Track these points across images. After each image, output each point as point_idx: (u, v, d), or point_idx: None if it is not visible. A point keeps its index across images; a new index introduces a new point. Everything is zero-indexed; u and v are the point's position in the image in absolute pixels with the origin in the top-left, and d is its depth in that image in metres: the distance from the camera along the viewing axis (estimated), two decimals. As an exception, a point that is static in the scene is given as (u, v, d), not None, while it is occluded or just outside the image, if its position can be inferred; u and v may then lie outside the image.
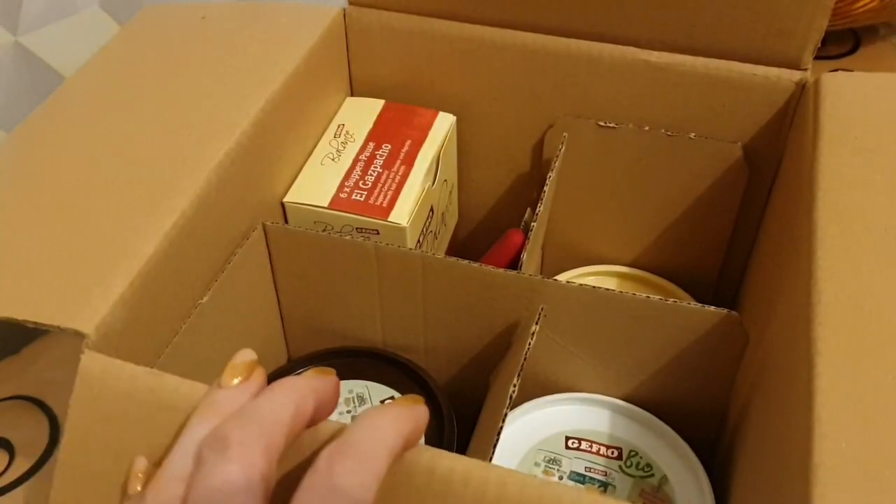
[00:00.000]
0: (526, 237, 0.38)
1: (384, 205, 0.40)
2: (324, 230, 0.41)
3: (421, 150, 0.43)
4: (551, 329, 0.38)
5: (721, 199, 0.45)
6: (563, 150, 0.43)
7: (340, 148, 0.43)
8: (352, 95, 0.47)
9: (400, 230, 0.40)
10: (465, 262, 0.37)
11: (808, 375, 0.26)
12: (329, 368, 0.25)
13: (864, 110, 0.36)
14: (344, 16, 0.44)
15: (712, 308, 0.35)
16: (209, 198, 0.34)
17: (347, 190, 0.41)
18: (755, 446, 0.34)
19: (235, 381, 0.25)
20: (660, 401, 0.41)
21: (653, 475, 0.39)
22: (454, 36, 0.44)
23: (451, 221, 0.49)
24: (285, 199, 0.41)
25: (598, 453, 0.40)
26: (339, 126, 0.44)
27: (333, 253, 0.39)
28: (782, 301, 0.33)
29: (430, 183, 0.42)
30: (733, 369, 0.38)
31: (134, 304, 0.30)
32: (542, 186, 0.46)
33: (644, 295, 0.36)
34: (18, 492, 0.43)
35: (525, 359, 0.33)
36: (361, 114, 0.45)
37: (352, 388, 0.41)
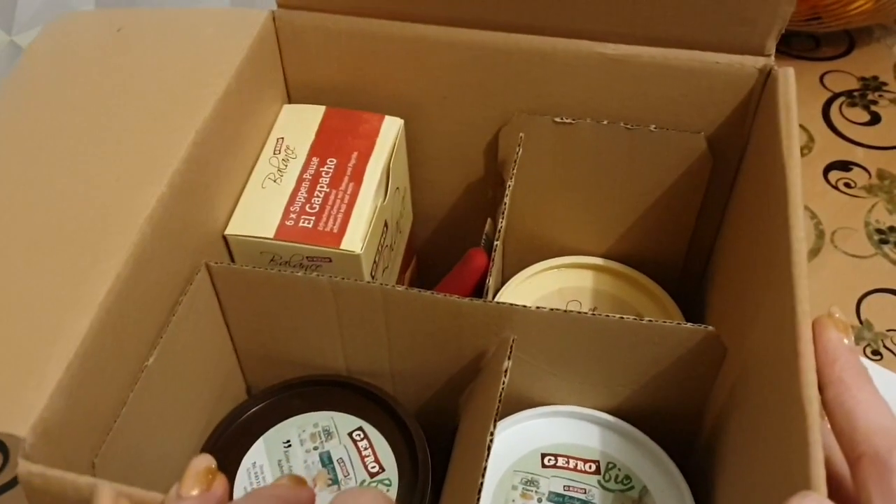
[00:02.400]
0: (489, 259, 0.37)
1: (335, 230, 0.38)
2: (272, 260, 0.39)
3: (369, 162, 0.41)
4: (523, 351, 0.36)
5: (686, 188, 0.44)
6: (520, 152, 0.41)
7: (282, 166, 0.40)
8: (289, 102, 0.44)
9: (353, 258, 0.38)
10: (428, 293, 0.35)
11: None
12: (302, 478, 0.24)
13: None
14: (273, 19, 0.41)
15: (689, 325, 0.35)
16: (145, 252, 0.32)
17: (294, 216, 0.39)
18: (743, 447, 0.34)
19: (195, 491, 0.24)
20: (636, 411, 0.40)
21: (633, 487, 0.39)
22: (396, 35, 0.41)
23: (406, 225, 0.47)
24: (227, 232, 0.38)
25: (575, 469, 0.39)
26: (278, 140, 0.42)
27: (286, 290, 0.37)
28: (764, 307, 0.32)
29: (381, 199, 0.40)
30: (711, 379, 0.37)
31: (73, 389, 0.28)
32: (499, 185, 0.44)
33: (617, 316, 0.35)
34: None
35: (500, 402, 0.32)
36: (301, 124, 0.42)
37: (317, 420, 0.40)
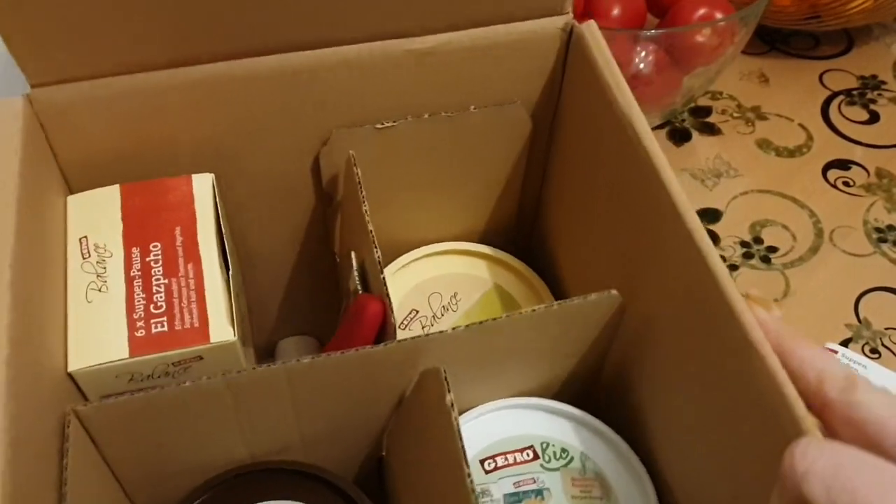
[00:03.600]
0: (384, 303, 0.34)
1: (195, 324, 0.33)
2: (131, 380, 0.33)
3: (198, 234, 0.36)
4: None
5: (512, 156, 0.45)
6: (357, 170, 0.38)
7: (100, 271, 0.34)
8: (70, 191, 0.37)
9: (229, 347, 0.33)
10: (335, 355, 0.32)
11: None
12: None
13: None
14: (31, 102, 0.34)
15: (594, 296, 0.35)
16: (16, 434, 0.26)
17: (141, 324, 0.33)
18: (667, 393, 0.36)
19: None
20: (548, 386, 0.40)
21: (572, 458, 0.39)
22: (178, 83, 0.36)
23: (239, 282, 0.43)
24: (71, 368, 0.32)
25: (516, 463, 0.39)
26: (81, 241, 0.35)
27: (173, 407, 0.32)
28: (658, 258, 0.34)
29: (228, 270, 0.36)
30: (611, 337, 0.38)
31: None
32: (329, 206, 0.41)
33: (529, 309, 0.34)
34: None
35: (461, 440, 0.30)
36: (100, 214, 0.36)
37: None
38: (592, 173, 0.40)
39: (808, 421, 0.26)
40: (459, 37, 0.38)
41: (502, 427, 0.40)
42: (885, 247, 0.59)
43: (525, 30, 0.38)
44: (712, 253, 0.30)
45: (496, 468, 0.39)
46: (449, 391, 0.32)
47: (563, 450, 0.39)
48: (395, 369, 0.34)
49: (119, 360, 0.32)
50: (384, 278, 0.35)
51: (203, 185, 0.38)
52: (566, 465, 0.39)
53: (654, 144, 0.34)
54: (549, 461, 0.39)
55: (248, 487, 0.37)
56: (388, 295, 0.34)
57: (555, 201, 0.47)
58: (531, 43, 0.39)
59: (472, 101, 0.40)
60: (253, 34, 0.35)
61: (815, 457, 0.23)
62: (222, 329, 0.33)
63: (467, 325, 0.34)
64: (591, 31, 0.38)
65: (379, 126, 0.40)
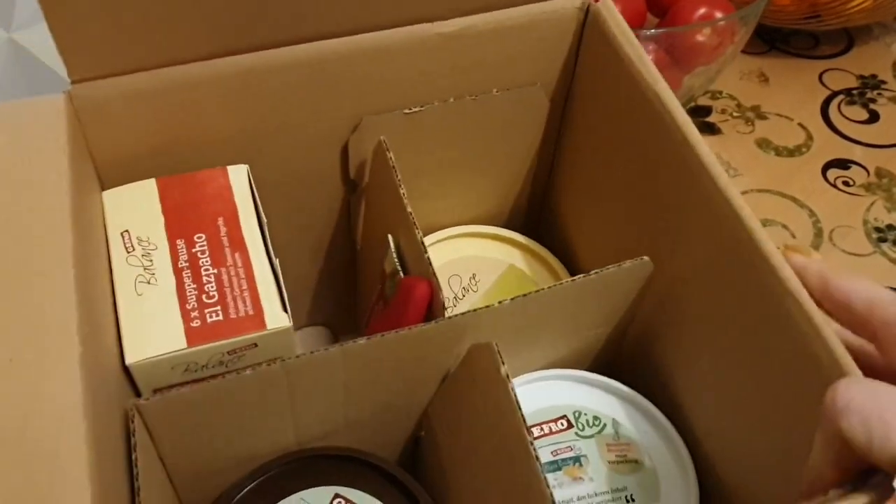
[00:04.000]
0: (431, 283, 0.35)
1: (251, 312, 0.34)
2: (186, 370, 0.34)
3: (241, 223, 0.36)
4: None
5: (529, 136, 0.46)
6: (390, 154, 0.39)
7: (146, 264, 0.35)
8: (103, 187, 0.37)
9: (284, 333, 0.34)
10: (390, 334, 0.33)
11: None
12: None
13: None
14: (71, 99, 0.34)
15: (628, 263, 0.36)
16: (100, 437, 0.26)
17: (196, 314, 0.34)
18: (699, 350, 0.38)
19: None
20: (578, 354, 0.42)
21: (604, 425, 0.41)
22: (214, 75, 0.36)
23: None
24: (129, 361, 0.32)
25: (551, 433, 0.40)
26: (123, 235, 0.35)
27: (230, 396, 0.33)
28: (689, 222, 0.35)
29: (272, 258, 0.36)
30: (640, 300, 0.40)
31: None
32: (355, 196, 0.42)
33: (569, 280, 0.36)
34: None
35: (520, 409, 0.31)
36: (139, 208, 0.36)
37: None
38: (612, 148, 0.42)
39: (849, 362, 0.27)
40: (486, 18, 0.39)
41: (534, 399, 0.41)
42: (884, 246, 0.59)
43: (543, 10, 0.40)
44: (744, 208, 0.32)
45: (533, 438, 0.40)
46: (503, 363, 0.33)
47: (596, 417, 0.41)
48: (443, 346, 0.35)
49: (177, 352, 0.33)
50: (428, 258, 0.35)
51: (239, 176, 0.38)
52: (600, 431, 0.41)
53: (683, 113, 0.35)
54: (584, 429, 0.41)
55: (297, 474, 0.38)
56: (434, 274, 0.35)
57: (567, 179, 0.48)
58: (549, 23, 0.40)
59: (493, 84, 0.41)
60: (285, 24, 0.36)
61: (854, 392, 0.24)
62: (277, 315, 0.34)
63: (513, 299, 0.35)
64: (607, 8, 0.39)
65: (407, 111, 0.40)
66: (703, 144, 0.34)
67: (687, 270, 0.37)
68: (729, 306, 0.34)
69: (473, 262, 0.49)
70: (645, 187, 0.39)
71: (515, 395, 0.32)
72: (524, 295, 0.35)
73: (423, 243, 0.36)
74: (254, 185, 0.38)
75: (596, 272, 0.36)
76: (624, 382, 0.42)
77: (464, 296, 0.48)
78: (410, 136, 0.41)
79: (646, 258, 0.37)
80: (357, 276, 0.50)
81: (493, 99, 0.42)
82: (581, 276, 0.36)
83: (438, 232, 0.49)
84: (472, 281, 0.48)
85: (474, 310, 0.34)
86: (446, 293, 0.47)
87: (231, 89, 0.37)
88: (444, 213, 0.49)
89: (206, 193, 0.37)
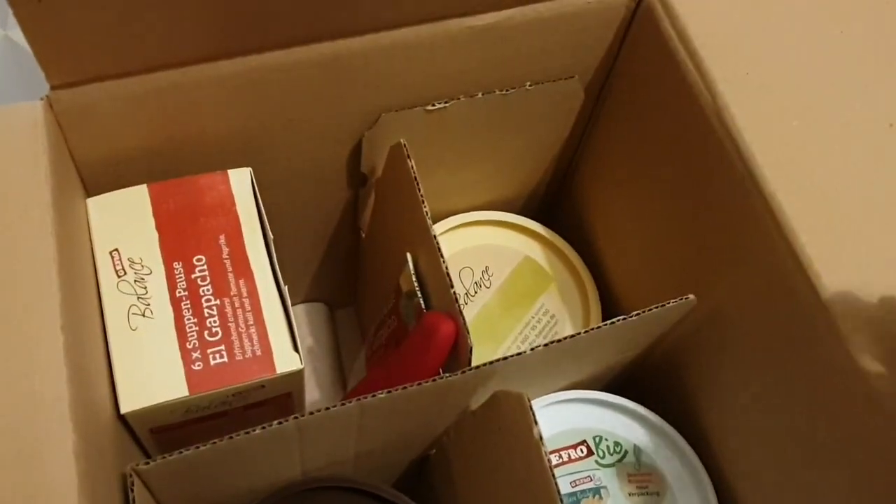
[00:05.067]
0: (457, 323, 0.32)
1: (258, 353, 0.31)
2: (186, 412, 0.31)
3: (245, 242, 0.33)
4: (506, 386, 0.33)
5: (559, 128, 0.42)
6: (411, 163, 0.35)
7: (140, 291, 0.31)
8: (87, 193, 0.33)
9: (295, 375, 0.31)
10: (411, 388, 0.30)
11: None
12: None
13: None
14: (51, 105, 0.29)
15: (672, 304, 0.34)
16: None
17: (197, 355, 0.30)
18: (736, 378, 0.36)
19: None
20: (597, 377, 0.40)
21: (626, 452, 0.39)
22: (217, 76, 0.32)
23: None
24: (124, 411, 0.29)
25: (570, 460, 0.39)
26: (112, 255, 0.32)
27: (238, 453, 0.30)
28: (741, 248, 0.33)
29: (279, 282, 0.33)
30: (674, 331, 0.37)
31: None
32: (365, 189, 0.39)
33: (608, 323, 0.33)
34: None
35: (555, 478, 0.29)
36: (129, 221, 0.32)
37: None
38: (653, 151, 0.38)
39: None
40: (524, 11, 0.34)
41: (553, 422, 0.39)
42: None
43: (591, 1, 0.35)
44: (812, 264, 0.29)
45: (552, 467, 0.38)
46: (536, 423, 0.31)
47: (617, 443, 0.39)
48: (467, 391, 0.33)
49: (178, 399, 0.30)
50: (455, 293, 0.32)
51: (242, 182, 0.34)
52: (620, 459, 0.39)
53: (745, 139, 0.32)
54: (604, 456, 0.39)
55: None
56: (461, 313, 0.32)
57: (591, 170, 0.45)
58: (594, 14, 0.36)
59: (528, 76, 0.37)
60: (296, 23, 0.31)
61: None
62: (287, 356, 0.31)
63: (546, 345, 0.32)
64: (666, 6, 0.35)
65: (430, 108, 0.36)
66: (768, 182, 0.31)
67: (732, 301, 0.34)
68: (780, 348, 0.32)
69: (487, 253, 0.46)
70: (688, 202, 0.36)
71: (550, 464, 0.30)
72: (559, 340, 0.32)
73: (448, 275, 0.32)
74: (257, 191, 0.34)
75: (637, 314, 0.33)
76: (644, 404, 0.40)
77: (476, 291, 0.45)
78: (432, 132, 0.37)
79: (691, 297, 0.34)
80: (361, 264, 0.47)
81: (527, 93, 0.38)
82: (621, 319, 0.33)
83: (451, 218, 0.46)
84: (485, 275, 0.45)
85: (504, 358, 0.31)
86: (458, 288, 0.44)
87: (235, 90, 0.32)
88: (458, 196, 0.45)
89: (205, 204, 0.33)
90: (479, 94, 0.37)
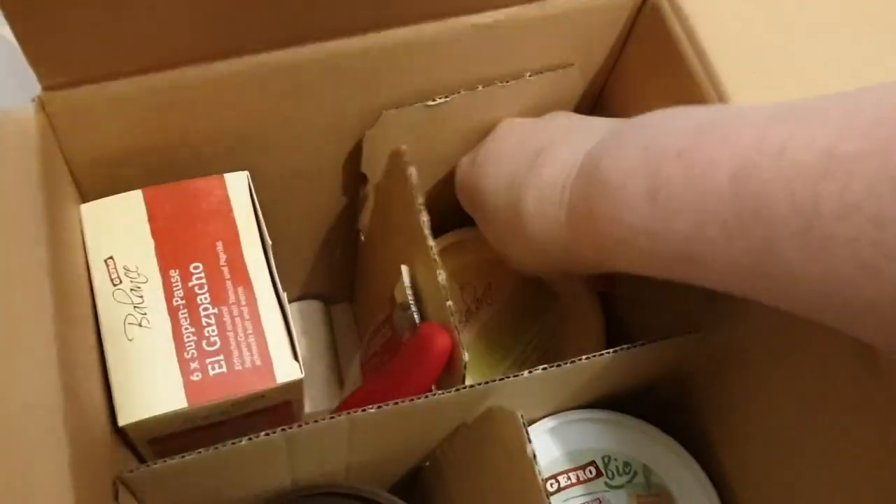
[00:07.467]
0: (453, 336, 0.31)
1: (258, 362, 0.30)
2: (184, 422, 0.30)
3: (244, 249, 0.32)
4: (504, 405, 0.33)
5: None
6: (411, 171, 0.34)
7: (136, 300, 0.31)
8: (82, 199, 0.33)
9: (294, 384, 0.31)
10: (402, 403, 0.30)
11: None
12: None
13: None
14: (43, 107, 0.29)
15: (679, 339, 0.34)
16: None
17: (196, 366, 0.30)
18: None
19: None
20: (604, 396, 0.39)
21: (635, 472, 0.38)
22: (214, 76, 0.31)
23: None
24: (122, 423, 0.29)
25: (579, 482, 0.38)
26: (107, 263, 0.31)
27: (225, 463, 0.29)
28: None
29: (278, 290, 0.32)
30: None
31: None
32: (365, 190, 0.39)
33: (610, 351, 0.33)
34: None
35: (549, 498, 0.29)
36: (124, 228, 0.32)
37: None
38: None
39: None
40: (529, 9, 0.34)
41: (561, 442, 0.39)
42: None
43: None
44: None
45: (559, 489, 0.38)
46: (529, 441, 0.30)
47: (626, 463, 0.39)
48: (460, 408, 0.33)
49: (176, 411, 0.29)
50: (451, 307, 0.32)
51: (239, 187, 0.34)
52: (630, 480, 0.38)
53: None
54: (613, 477, 0.38)
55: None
56: (456, 327, 0.31)
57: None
58: (601, 10, 0.36)
59: (528, 67, 0.38)
60: (294, 23, 0.31)
61: None
62: (287, 366, 0.31)
63: (544, 368, 0.32)
64: (674, 4, 0.35)
65: (430, 103, 0.36)
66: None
67: (753, 327, 0.33)
68: (809, 381, 0.31)
69: (489, 268, 0.45)
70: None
71: (543, 483, 0.29)
72: (558, 365, 0.32)
73: (445, 289, 0.32)
74: (255, 195, 0.34)
75: (641, 344, 0.33)
76: (651, 420, 0.39)
77: (478, 308, 0.44)
78: (432, 127, 0.38)
79: (693, 336, 0.34)
80: (359, 265, 0.46)
81: (526, 83, 0.38)
82: (624, 348, 0.33)
83: (451, 233, 0.45)
84: (488, 291, 0.44)
85: (500, 379, 0.31)
86: (458, 305, 0.44)
87: (231, 88, 0.32)
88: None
89: (201, 209, 0.33)
90: (480, 88, 0.37)
